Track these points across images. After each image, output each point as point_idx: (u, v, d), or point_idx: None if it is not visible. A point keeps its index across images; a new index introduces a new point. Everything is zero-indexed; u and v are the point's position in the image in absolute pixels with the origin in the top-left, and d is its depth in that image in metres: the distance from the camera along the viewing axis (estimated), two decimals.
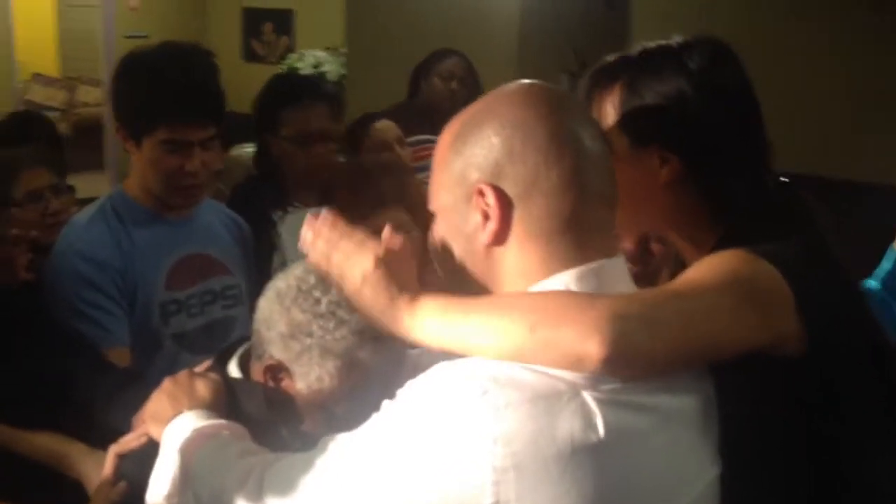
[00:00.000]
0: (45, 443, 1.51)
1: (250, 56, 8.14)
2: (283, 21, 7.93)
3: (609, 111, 1.26)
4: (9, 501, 1.40)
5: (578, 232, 1.05)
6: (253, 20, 8.09)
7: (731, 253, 1.15)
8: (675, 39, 1.29)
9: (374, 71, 4.59)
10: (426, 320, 1.05)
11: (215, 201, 2.18)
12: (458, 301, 1.06)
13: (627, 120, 1.24)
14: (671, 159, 1.23)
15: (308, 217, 1.17)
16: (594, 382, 0.97)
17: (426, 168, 1.60)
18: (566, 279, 1.04)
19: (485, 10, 4.32)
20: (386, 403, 1.03)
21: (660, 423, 1.01)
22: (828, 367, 1.15)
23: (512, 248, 1.06)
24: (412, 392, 1.00)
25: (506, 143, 1.05)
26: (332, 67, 6.71)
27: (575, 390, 0.95)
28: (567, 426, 0.93)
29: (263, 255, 2.20)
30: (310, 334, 1.28)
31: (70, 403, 1.53)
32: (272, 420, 1.32)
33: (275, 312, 1.31)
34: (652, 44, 1.29)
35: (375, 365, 1.28)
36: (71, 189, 2.29)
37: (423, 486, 0.95)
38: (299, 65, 7.14)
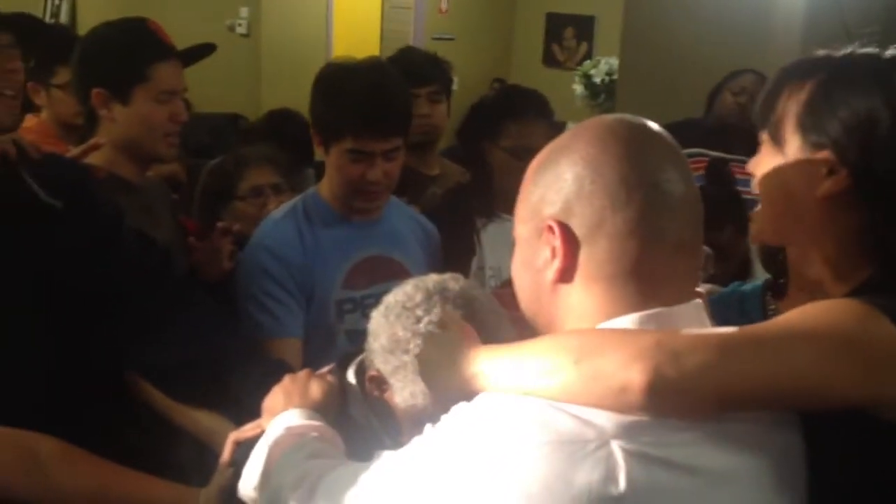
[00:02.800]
0: (202, 419, 1.65)
1: (550, 61, 8.26)
2: (584, 27, 7.96)
3: (792, 106, 1.19)
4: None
5: (644, 279, 1.00)
6: (556, 25, 8.19)
7: (841, 301, 1.05)
8: (890, 52, 1.19)
9: (646, 81, 4.49)
10: (486, 363, 1.07)
11: (403, 203, 2.25)
12: (508, 344, 1.07)
13: (807, 118, 1.17)
14: (840, 172, 1.14)
15: None
16: (630, 432, 0.92)
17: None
18: (625, 322, 0.99)
19: (765, 21, 4.08)
20: (428, 428, 1.05)
21: (704, 485, 0.94)
22: None
23: (577, 288, 1.03)
24: (449, 424, 1.01)
25: (576, 181, 1.02)
26: None
27: (604, 439, 0.91)
28: (586, 475, 0.89)
29: (463, 259, 2.25)
30: (406, 351, 1.31)
31: (226, 387, 1.66)
32: (373, 426, 1.37)
33: (380, 325, 1.36)
34: (860, 50, 1.21)
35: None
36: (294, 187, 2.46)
37: None
38: (593, 71, 7.15)
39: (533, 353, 1.01)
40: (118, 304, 1.64)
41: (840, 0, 4.05)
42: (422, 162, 2.72)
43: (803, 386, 0.97)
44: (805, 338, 0.98)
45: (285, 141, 2.84)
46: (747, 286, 1.63)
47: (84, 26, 4.68)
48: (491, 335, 1.24)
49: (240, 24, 7.28)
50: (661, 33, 4.47)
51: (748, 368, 0.95)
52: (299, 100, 2.68)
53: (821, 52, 1.23)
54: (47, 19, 8.20)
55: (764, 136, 1.23)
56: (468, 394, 1.04)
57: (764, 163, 1.22)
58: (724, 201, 2.35)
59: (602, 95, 6.88)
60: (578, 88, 7.19)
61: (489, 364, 1.06)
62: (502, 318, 1.34)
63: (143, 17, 2.07)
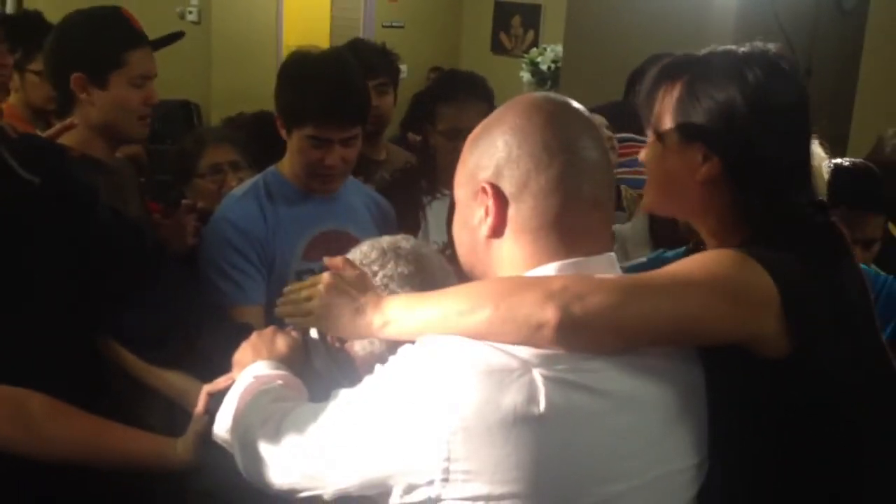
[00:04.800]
0: (173, 379, 1.78)
1: (498, 48, 8.42)
2: (531, 15, 8.14)
3: (667, 105, 1.35)
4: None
5: (564, 231, 1.16)
6: (503, 13, 8.36)
7: (723, 251, 1.23)
8: (742, 47, 1.35)
9: (588, 69, 4.66)
10: (395, 313, 1.21)
11: (360, 182, 2.40)
12: (419, 294, 1.21)
13: (680, 116, 1.33)
14: (712, 159, 1.30)
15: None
16: (548, 362, 1.07)
17: (629, 164, 1.66)
18: (548, 270, 1.15)
19: (701, 13, 4.28)
20: (377, 368, 1.19)
21: (613, 407, 1.10)
22: (814, 371, 1.20)
23: (507, 242, 1.19)
24: (396, 361, 1.16)
25: (506, 147, 1.18)
26: None
27: (526, 368, 1.07)
28: (511, 399, 1.05)
29: (410, 234, 2.41)
30: None
31: (196, 349, 1.79)
32: (335, 377, 1.51)
33: None
34: (720, 48, 1.37)
35: None
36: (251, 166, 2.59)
37: (392, 438, 1.11)
38: (539, 59, 7.34)
39: (450, 299, 1.15)
40: (94, 274, 1.77)
41: None
42: (370, 148, 2.87)
43: (691, 324, 1.14)
44: (692, 282, 1.15)
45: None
46: (670, 252, 1.81)
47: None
48: (440, 288, 1.38)
49: (190, 12, 7.32)
50: (603, 22, 4.65)
51: (644, 309, 1.10)
52: (250, 86, 2.78)
53: (686, 53, 1.39)
54: None
55: (648, 130, 1.40)
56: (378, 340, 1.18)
57: (651, 153, 1.39)
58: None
59: (549, 82, 7.06)
60: (525, 75, 7.38)
61: (399, 313, 1.20)
62: (450, 274, 1.47)
63: (116, 5, 2.18)
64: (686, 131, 1.32)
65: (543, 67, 7.17)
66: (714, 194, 1.32)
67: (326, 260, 1.36)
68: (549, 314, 1.06)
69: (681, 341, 1.18)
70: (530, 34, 8.17)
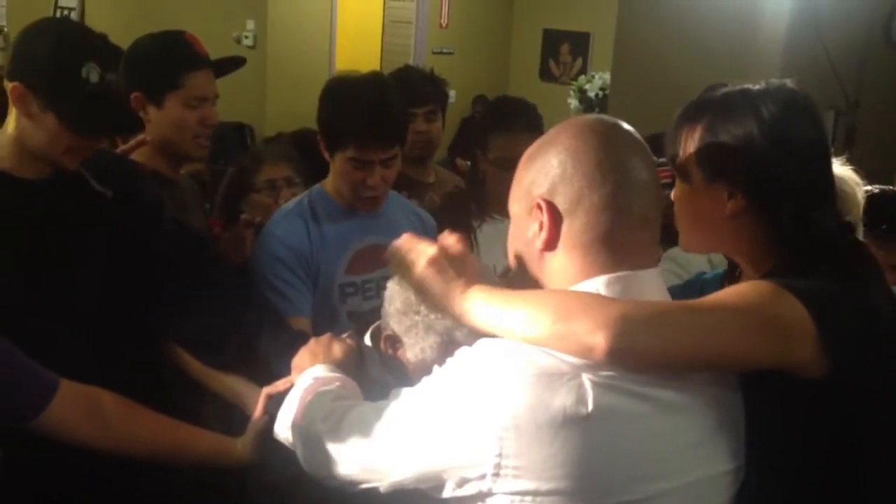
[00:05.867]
0: (231, 383, 1.87)
1: (546, 75, 8.51)
2: (580, 43, 8.21)
3: (690, 146, 1.41)
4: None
5: (614, 247, 1.24)
6: (552, 41, 8.45)
7: (759, 282, 1.29)
8: (758, 85, 1.41)
9: (636, 97, 4.73)
10: (475, 304, 1.28)
11: (403, 198, 2.47)
12: (502, 291, 1.28)
13: (703, 156, 1.39)
14: (737, 195, 1.36)
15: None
16: (596, 368, 1.15)
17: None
18: (597, 283, 1.23)
19: (749, 44, 4.32)
20: (435, 369, 1.28)
21: (655, 411, 1.17)
22: (849, 397, 1.26)
23: (559, 255, 1.26)
24: (453, 363, 1.25)
25: (560, 166, 1.25)
26: None
27: (576, 372, 1.14)
28: (561, 400, 1.13)
29: None
30: (417, 312, 1.55)
31: (255, 355, 1.89)
32: (389, 383, 1.59)
33: (395, 292, 1.59)
34: (736, 87, 1.43)
35: (468, 344, 1.51)
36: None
37: (448, 434, 1.19)
38: (587, 86, 7.41)
39: (519, 305, 1.22)
40: (159, 281, 1.87)
41: (818, 23, 4.30)
42: (420, 171, 2.97)
43: (731, 357, 1.21)
44: (733, 318, 1.21)
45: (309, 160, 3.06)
46: (708, 274, 1.86)
47: None
48: None
49: (246, 37, 7.53)
50: (651, 51, 4.71)
51: (687, 344, 1.17)
52: (303, 110, 2.87)
53: (705, 95, 1.45)
54: None
55: (675, 171, 1.46)
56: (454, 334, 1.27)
57: (678, 194, 1.45)
58: None
59: (596, 109, 7.12)
60: (573, 102, 7.45)
61: (479, 305, 1.27)
62: (496, 283, 1.55)
63: (181, 29, 2.30)
64: (709, 170, 1.38)
65: (591, 95, 7.23)
66: (744, 227, 1.38)
67: (441, 237, 1.41)
68: (600, 341, 1.13)
69: (717, 368, 1.25)
70: (578, 62, 8.25)
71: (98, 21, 7.68)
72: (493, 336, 1.25)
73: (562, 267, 1.26)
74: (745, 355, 1.22)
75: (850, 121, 4.55)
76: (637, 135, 1.31)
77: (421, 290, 1.38)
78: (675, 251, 2.40)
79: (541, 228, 1.26)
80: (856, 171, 2.21)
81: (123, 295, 1.83)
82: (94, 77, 1.70)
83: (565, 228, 1.25)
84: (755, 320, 1.21)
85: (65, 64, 1.69)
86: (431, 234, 2.40)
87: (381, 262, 2.23)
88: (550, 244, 1.26)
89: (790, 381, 1.25)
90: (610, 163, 1.24)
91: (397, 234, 2.26)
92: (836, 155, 1.60)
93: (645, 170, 1.27)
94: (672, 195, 1.47)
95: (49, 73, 1.69)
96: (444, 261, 1.35)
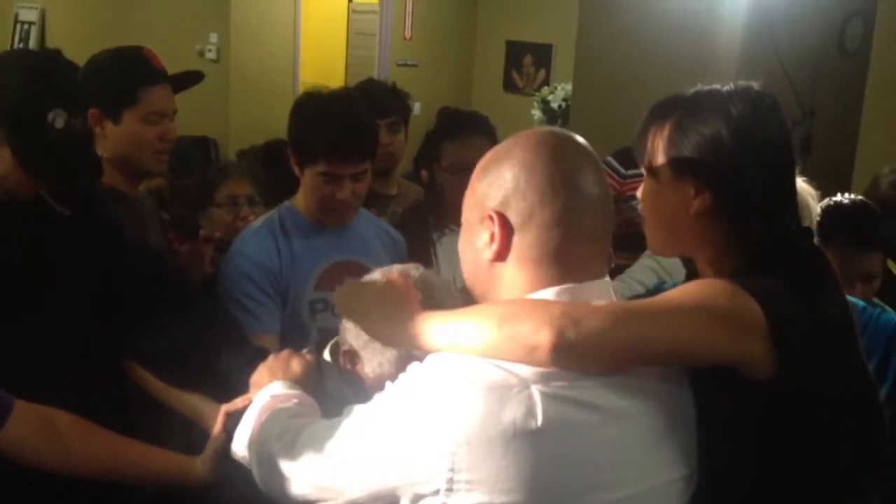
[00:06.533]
0: (192, 401, 1.87)
1: (510, 87, 8.56)
2: (543, 54, 8.26)
3: (659, 144, 1.43)
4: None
5: (564, 261, 1.25)
6: (515, 52, 8.49)
7: (713, 280, 1.32)
8: (727, 86, 1.43)
9: (597, 107, 4.77)
10: (427, 327, 1.29)
11: (373, 215, 2.49)
12: (452, 311, 1.29)
13: (671, 153, 1.41)
14: (704, 193, 1.38)
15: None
16: (545, 378, 1.16)
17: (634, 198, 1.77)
18: (546, 294, 1.24)
19: (706, 54, 4.38)
20: (388, 385, 1.28)
21: (604, 420, 1.18)
22: (798, 399, 1.28)
23: (509, 267, 1.28)
24: (404, 379, 1.25)
25: (514, 180, 1.26)
26: None
27: (525, 384, 1.15)
28: (511, 413, 1.13)
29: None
30: None
31: (214, 372, 1.89)
32: (347, 398, 1.60)
33: None
34: (706, 87, 1.45)
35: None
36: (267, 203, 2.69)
37: (400, 451, 1.20)
38: (550, 97, 7.46)
39: (467, 319, 1.24)
40: (118, 299, 1.87)
41: (774, 33, 4.37)
42: (382, 184, 2.99)
43: (679, 348, 1.22)
44: (681, 309, 1.23)
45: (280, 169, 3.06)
46: (668, 283, 1.89)
47: None
48: None
49: (209, 50, 7.50)
50: (610, 62, 4.76)
51: (633, 334, 1.19)
52: (267, 123, 2.89)
53: (675, 94, 1.47)
54: (16, 45, 8.40)
55: (643, 168, 1.48)
56: (411, 350, 1.28)
57: (646, 190, 1.47)
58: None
59: (559, 120, 7.16)
60: (536, 113, 7.50)
61: (432, 326, 1.28)
62: (458, 301, 1.56)
63: (139, 45, 2.30)
64: (677, 166, 1.40)
65: (554, 106, 7.29)
66: (708, 226, 1.39)
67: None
68: (545, 337, 1.14)
69: (669, 363, 1.26)
70: (542, 73, 8.30)
71: (58, 36, 7.64)
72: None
73: (511, 279, 1.27)
74: (696, 348, 1.23)
75: (805, 130, 4.61)
76: (589, 148, 1.33)
77: (370, 329, 1.40)
78: (629, 271, 2.44)
79: (492, 239, 1.27)
80: (809, 182, 2.26)
81: (85, 314, 1.83)
82: (59, 123, 1.68)
83: (516, 241, 1.26)
84: (707, 312, 1.23)
85: (31, 106, 1.66)
86: (401, 252, 2.42)
87: (350, 278, 2.24)
88: (501, 255, 1.27)
89: (740, 382, 1.26)
90: (562, 177, 1.25)
91: (367, 251, 2.33)
92: None
93: (596, 184, 1.28)
94: (639, 192, 1.48)
95: (13, 110, 1.67)
96: (390, 295, 1.38)
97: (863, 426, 1.35)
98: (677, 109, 1.43)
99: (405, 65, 8.40)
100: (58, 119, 1.67)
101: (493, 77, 8.66)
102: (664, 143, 1.42)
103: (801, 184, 1.86)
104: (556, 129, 1.36)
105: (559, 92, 7.34)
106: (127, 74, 2.23)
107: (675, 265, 2.23)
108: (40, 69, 1.77)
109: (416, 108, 7.47)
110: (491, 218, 1.27)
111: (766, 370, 1.26)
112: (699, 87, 1.46)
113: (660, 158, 1.42)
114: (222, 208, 2.58)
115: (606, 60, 4.79)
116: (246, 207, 2.56)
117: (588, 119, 4.79)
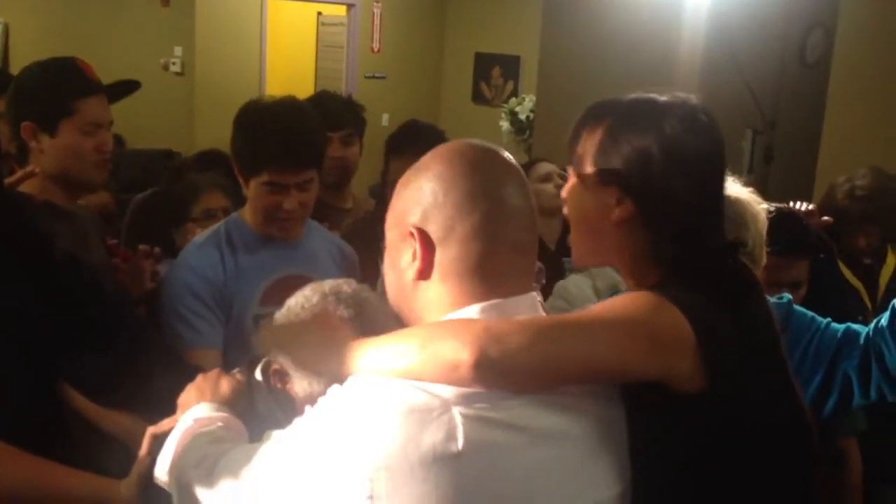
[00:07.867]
0: (124, 422, 1.82)
1: (478, 98, 8.56)
2: (511, 66, 8.30)
3: (589, 146, 1.40)
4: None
5: (488, 275, 1.22)
6: (484, 64, 8.52)
7: (641, 294, 1.28)
8: (664, 97, 1.41)
9: (560, 118, 4.76)
10: (358, 353, 1.25)
11: (325, 229, 2.44)
12: (378, 337, 1.26)
13: (599, 158, 1.38)
14: (626, 202, 1.36)
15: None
16: (468, 400, 1.12)
17: None
18: (471, 311, 1.20)
19: (668, 67, 4.40)
20: (307, 409, 1.24)
21: (530, 441, 1.14)
22: (724, 405, 1.26)
23: (433, 285, 1.24)
24: (324, 402, 1.21)
25: (432, 194, 1.23)
26: None
27: (447, 406, 1.11)
28: (431, 437, 1.09)
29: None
30: None
31: (149, 392, 1.84)
32: (278, 418, 1.55)
33: None
34: (644, 95, 1.42)
35: None
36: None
37: (318, 477, 1.15)
38: (518, 108, 7.47)
39: (391, 342, 1.21)
40: (50, 319, 1.81)
41: (734, 47, 4.38)
42: (336, 197, 2.95)
43: (604, 364, 1.19)
44: (606, 323, 1.20)
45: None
46: (607, 295, 1.87)
47: (17, 65, 4.83)
48: (380, 331, 1.43)
49: (174, 63, 7.46)
50: (573, 74, 4.77)
51: (557, 350, 1.15)
52: None
53: (611, 99, 1.44)
54: None
55: (570, 170, 1.45)
56: (342, 377, 1.24)
57: (570, 192, 1.44)
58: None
59: (527, 131, 7.18)
60: (504, 124, 7.50)
61: (357, 352, 1.25)
62: (390, 317, 1.52)
63: (72, 56, 2.24)
64: (603, 173, 1.38)
65: (522, 117, 7.30)
66: (628, 236, 1.37)
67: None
68: (466, 355, 1.10)
69: (594, 380, 1.23)
70: (510, 84, 8.32)
71: (21, 49, 7.55)
72: None
73: (437, 296, 1.24)
74: (622, 364, 1.20)
75: (767, 140, 4.64)
76: (512, 160, 1.30)
77: (298, 361, 1.39)
78: (562, 284, 2.41)
79: (414, 257, 1.24)
80: (763, 191, 2.24)
81: (16, 336, 1.77)
82: None
83: (438, 257, 1.23)
84: (632, 327, 1.20)
85: None
86: (352, 266, 2.38)
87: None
88: (424, 273, 1.24)
89: (669, 395, 1.24)
90: (481, 189, 1.22)
91: (316, 266, 2.28)
92: (755, 173, 1.61)
93: (519, 196, 1.25)
94: (563, 192, 1.46)
95: None
96: (315, 325, 1.37)
97: (789, 434, 1.34)
98: (612, 114, 1.40)
99: (373, 77, 8.40)
100: None
101: (461, 89, 8.68)
102: (594, 148, 1.39)
103: (745, 194, 1.84)
104: (477, 141, 1.31)
105: (527, 103, 7.35)
106: (62, 86, 2.18)
107: (581, 297, 2.21)
108: None
109: (385, 119, 7.50)
110: (412, 234, 1.24)
111: (695, 384, 1.23)
112: (638, 94, 1.44)
113: (587, 161, 1.40)
114: (199, 223, 2.53)
115: (569, 72, 4.80)
116: (222, 219, 2.51)
117: (552, 130, 4.80)
